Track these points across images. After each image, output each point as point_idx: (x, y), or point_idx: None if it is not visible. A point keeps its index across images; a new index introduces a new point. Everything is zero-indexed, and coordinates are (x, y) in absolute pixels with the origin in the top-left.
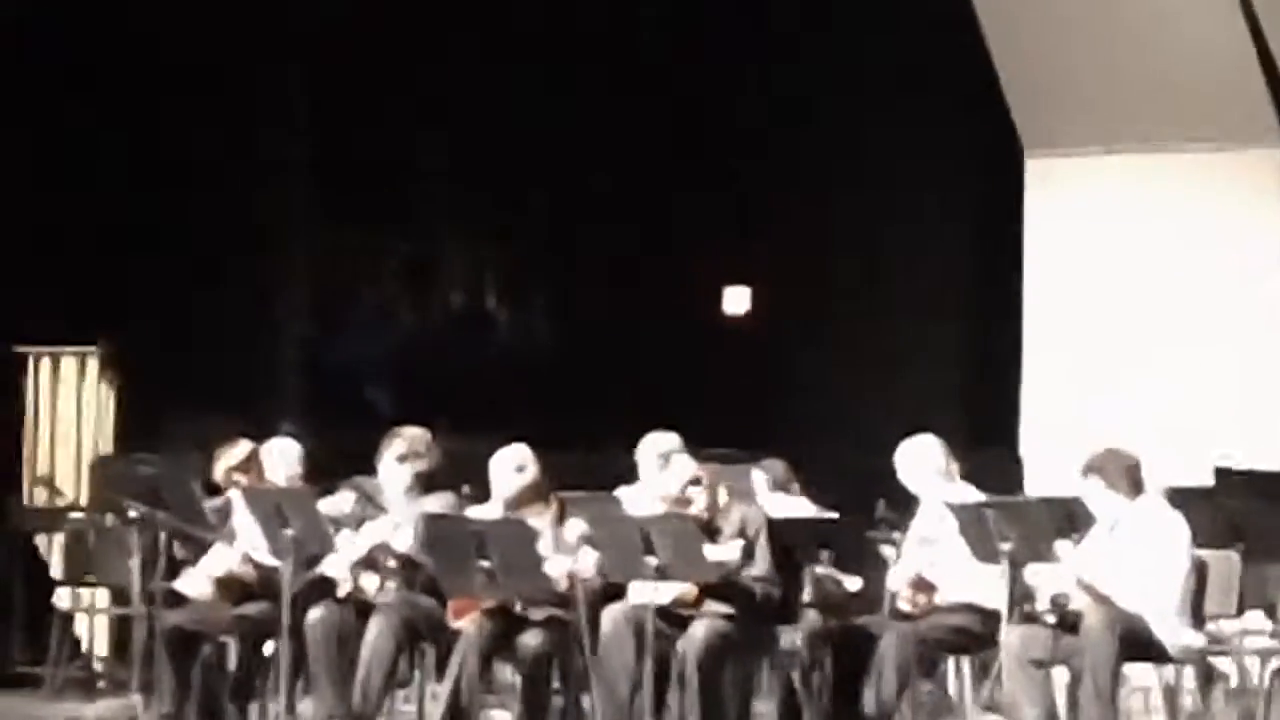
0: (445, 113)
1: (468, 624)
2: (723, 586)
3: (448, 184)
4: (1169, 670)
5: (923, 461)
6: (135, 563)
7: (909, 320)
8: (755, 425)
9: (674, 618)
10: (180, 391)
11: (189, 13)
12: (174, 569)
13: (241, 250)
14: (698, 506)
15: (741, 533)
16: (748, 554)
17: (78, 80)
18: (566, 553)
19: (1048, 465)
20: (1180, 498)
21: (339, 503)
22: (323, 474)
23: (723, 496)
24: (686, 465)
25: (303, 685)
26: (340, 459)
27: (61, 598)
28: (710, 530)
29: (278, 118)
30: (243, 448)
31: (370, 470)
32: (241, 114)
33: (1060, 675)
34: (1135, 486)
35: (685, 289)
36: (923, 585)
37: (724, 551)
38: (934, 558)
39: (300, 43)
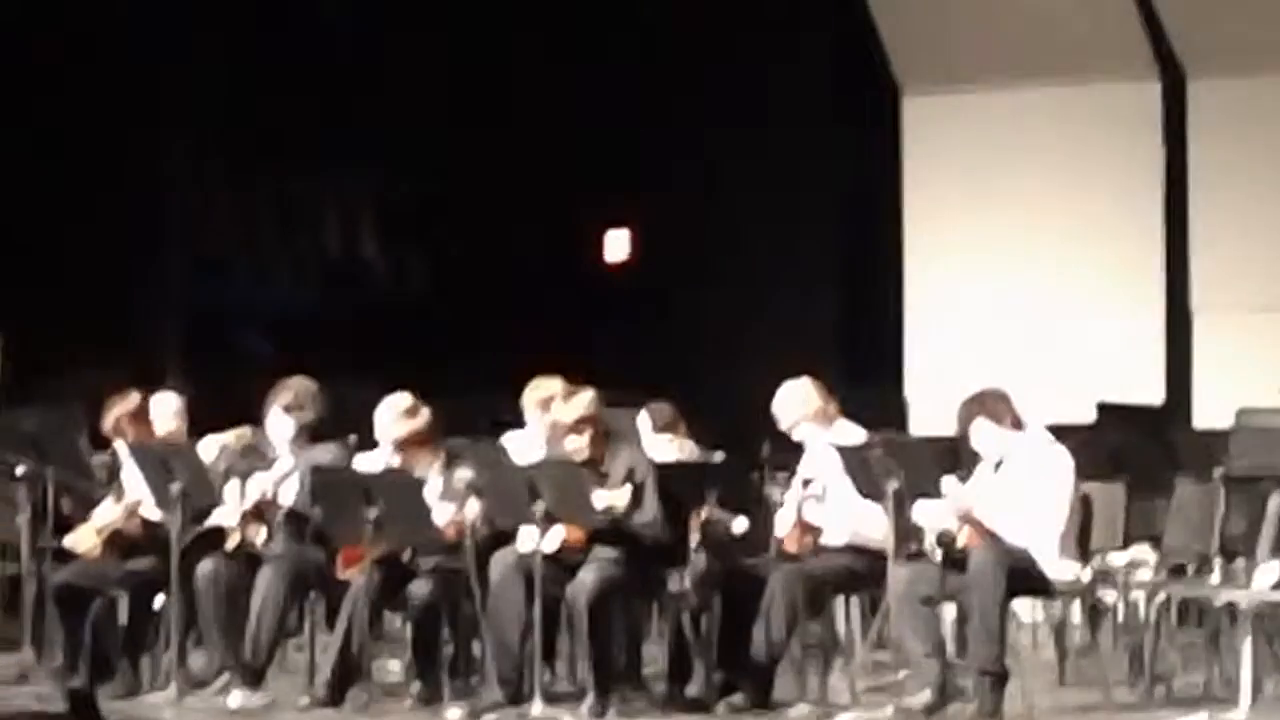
0: (319, 56)
1: (357, 574)
2: (610, 531)
3: (324, 129)
4: (1056, 605)
5: (800, 405)
6: (23, 519)
7: (790, 262)
8: (639, 369)
9: (563, 563)
10: (60, 346)
11: None
12: (62, 525)
13: (118, 199)
14: (581, 444)
15: (629, 478)
16: (636, 500)
17: None
18: (453, 500)
19: (932, 403)
20: (1064, 433)
21: (224, 439)
22: (204, 421)
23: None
24: (584, 401)
25: (193, 638)
26: (221, 407)
27: None
28: (597, 473)
29: (152, 63)
30: (132, 399)
31: (249, 419)
32: (115, 60)
33: (948, 612)
34: (1017, 422)
35: (566, 234)
36: (807, 526)
37: (613, 496)
38: (819, 498)
39: None
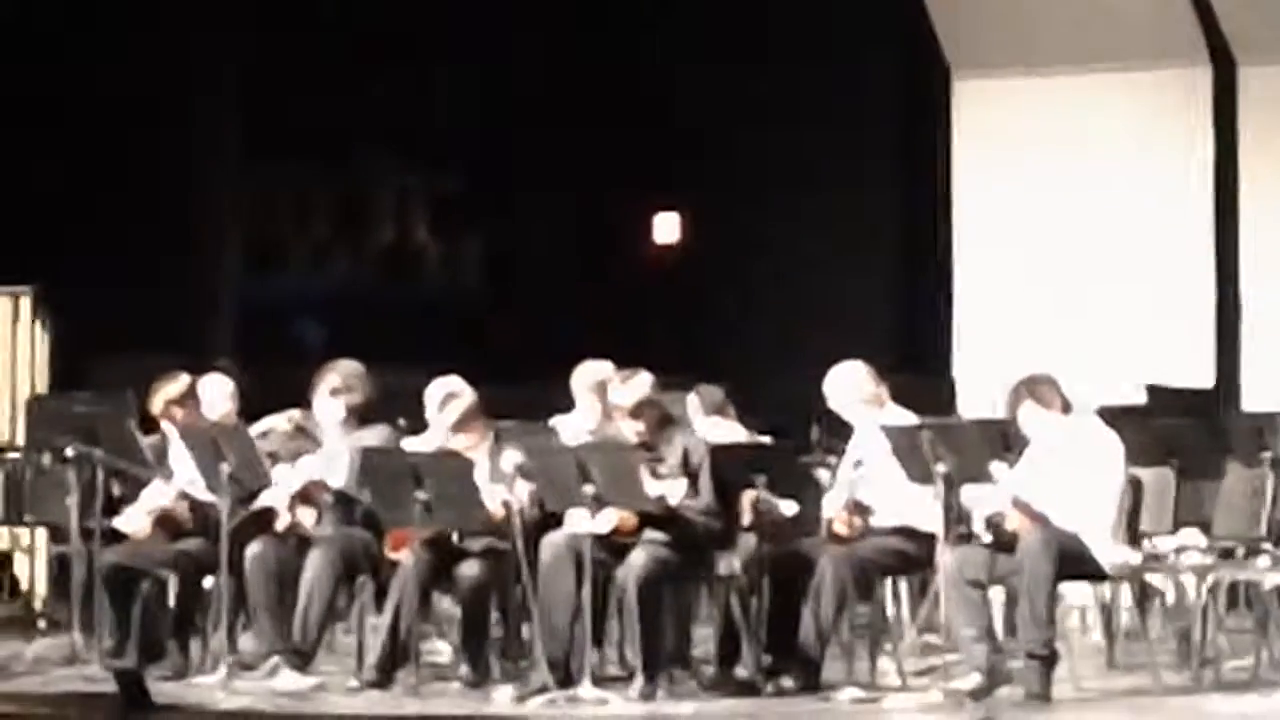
0: (373, 50)
1: (406, 556)
2: (662, 516)
3: (377, 120)
4: (1105, 588)
5: (851, 388)
6: (73, 501)
7: (840, 243)
8: (688, 352)
9: (612, 546)
10: (114, 331)
11: None
12: (112, 506)
13: (172, 189)
14: (639, 427)
15: (684, 463)
16: (691, 486)
17: (5, 20)
18: (502, 483)
19: (981, 386)
20: (1113, 416)
21: (273, 422)
22: (256, 410)
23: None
24: (644, 384)
25: (243, 620)
26: (273, 395)
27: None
28: (653, 456)
29: (208, 55)
30: (181, 381)
31: (303, 406)
32: (172, 53)
33: (997, 595)
34: (1066, 406)
35: (615, 217)
36: (857, 509)
37: (666, 487)
38: (868, 481)
39: None
